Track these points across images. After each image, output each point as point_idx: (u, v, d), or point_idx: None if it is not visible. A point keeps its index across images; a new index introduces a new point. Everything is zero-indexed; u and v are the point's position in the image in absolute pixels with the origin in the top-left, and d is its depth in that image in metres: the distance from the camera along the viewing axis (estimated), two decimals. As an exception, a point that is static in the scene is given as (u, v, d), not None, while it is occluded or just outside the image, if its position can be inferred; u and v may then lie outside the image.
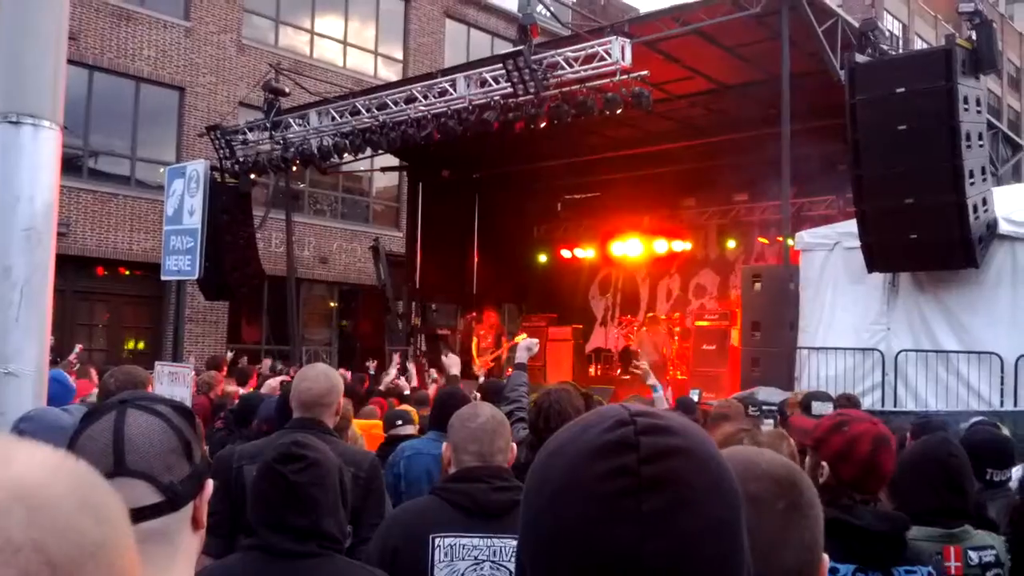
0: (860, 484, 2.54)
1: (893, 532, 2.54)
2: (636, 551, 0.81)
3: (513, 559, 2.82)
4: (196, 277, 17.19)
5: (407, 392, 10.79)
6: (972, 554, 2.94)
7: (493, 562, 2.80)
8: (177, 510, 1.39)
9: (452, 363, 7.99)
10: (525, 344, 5.49)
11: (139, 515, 1.35)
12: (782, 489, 1.36)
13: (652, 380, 6.27)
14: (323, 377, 3.77)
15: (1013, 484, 4.04)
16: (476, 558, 2.80)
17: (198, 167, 17.30)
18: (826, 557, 1.37)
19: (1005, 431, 5.53)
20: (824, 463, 2.62)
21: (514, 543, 2.97)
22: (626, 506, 0.82)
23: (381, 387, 11.56)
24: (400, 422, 6.02)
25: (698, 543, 0.83)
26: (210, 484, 1.47)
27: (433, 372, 12.74)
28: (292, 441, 2.47)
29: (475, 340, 19.16)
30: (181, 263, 17.15)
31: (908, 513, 2.86)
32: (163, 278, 18.14)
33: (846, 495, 2.56)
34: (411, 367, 12.07)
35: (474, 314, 20.51)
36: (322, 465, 2.39)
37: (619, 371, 17.98)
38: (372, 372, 15.98)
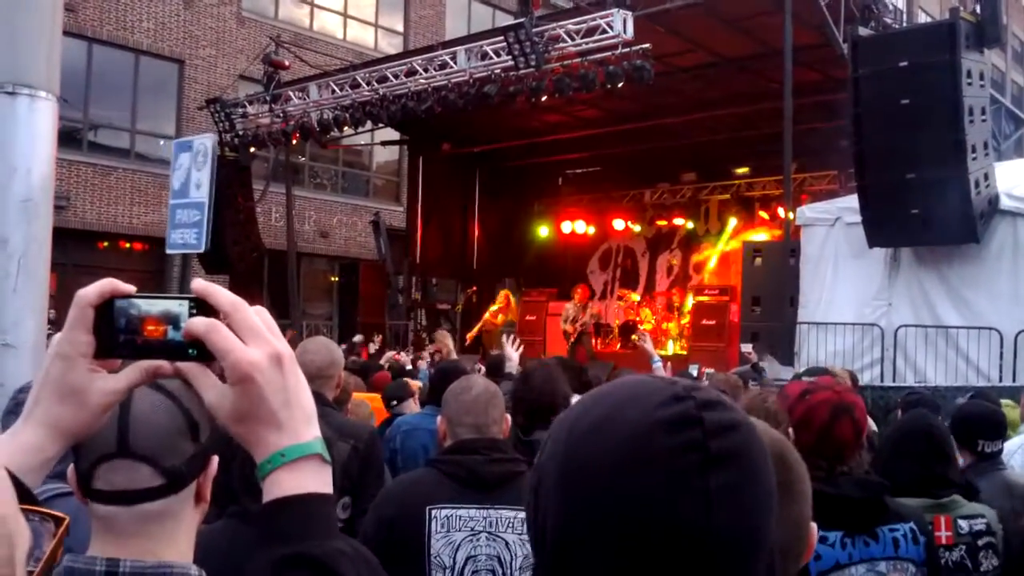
0: (818, 451, 2.58)
1: (873, 497, 2.62)
2: (704, 524, 0.82)
3: (509, 530, 2.84)
4: (203, 250, 17.21)
5: (408, 367, 10.80)
6: (962, 523, 2.97)
7: (489, 533, 2.81)
8: (179, 492, 1.38)
9: (446, 339, 8.14)
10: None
11: (140, 496, 1.35)
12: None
13: (651, 350, 6.31)
14: (324, 350, 3.77)
15: (1006, 456, 4.07)
16: (473, 529, 2.80)
17: (206, 141, 17.29)
18: (814, 525, 1.38)
19: (1014, 407, 5.56)
20: (790, 429, 2.67)
21: (510, 514, 2.99)
22: (695, 481, 0.82)
23: (383, 362, 11.57)
24: (395, 402, 6.00)
25: (759, 513, 0.86)
26: (215, 460, 1.45)
27: (426, 353, 12.74)
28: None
29: (485, 315, 19.24)
30: (187, 236, 17.18)
31: (896, 485, 2.91)
32: (168, 251, 18.15)
33: (810, 462, 2.61)
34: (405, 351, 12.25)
35: (475, 288, 20.51)
36: None
37: (618, 345, 18.00)
38: (377, 348, 15.98)
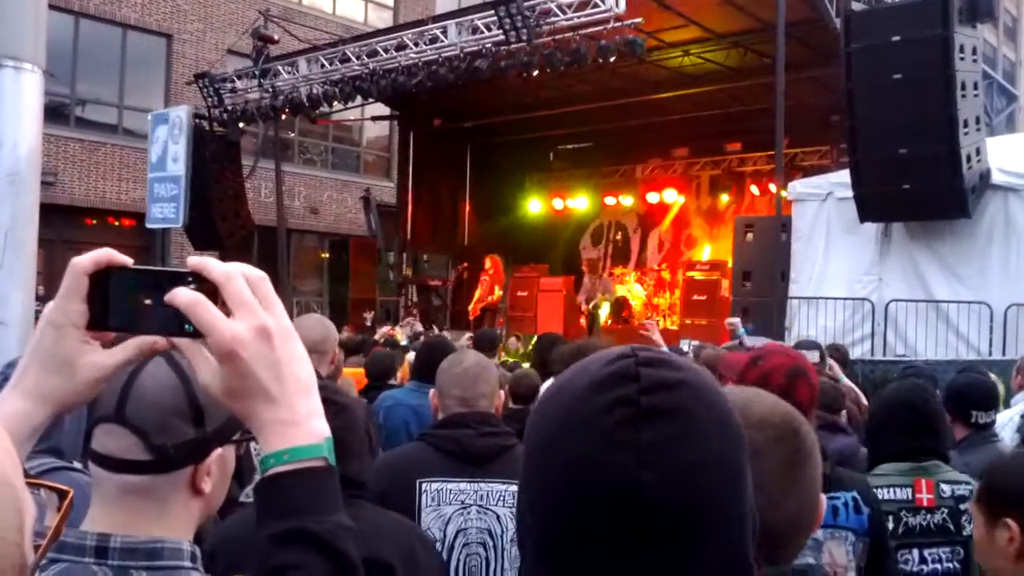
0: None
1: None
2: (635, 481, 0.81)
3: (500, 504, 2.85)
4: (180, 225, 17.12)
5: (404, 343, 10.81)
6: (944, 487, 2.99)
7: (480, 506, 2.82)
8: (164, 473, 1.35)
9: (412, 325, 8.22)
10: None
11: (123, 466, 1.33)
12: (782, 437, 1.35)
13: (659, 340, 6.30)
14: (319, 325, 3.75)
15: (999, 428, 4.09)
16: (463, 502, 2.81)
17: (181, 113, 17.14)
18: (823, 497, 1.38)
19: (998, 380, 5.58)
20: None
21: (501, 488, 3.00)
22: (626, 436, 0.82)
23: (377, 336, 11.60)
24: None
25: (697, 476, 0.83)
26: (218, 452, 1.39)
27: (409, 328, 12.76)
28: (321, 386, 2.41)
29: (479, 288, 19.21)
30: (166, 211, 17.08)
31: (884, 455, 2.91)
32: (148, 226, 18.06)
33: None
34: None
35: (466, 265, 20.48)
36: (351, 409, 2.31)
37: (609, 321, 18.01)
38: (369, 324, 15.98)
